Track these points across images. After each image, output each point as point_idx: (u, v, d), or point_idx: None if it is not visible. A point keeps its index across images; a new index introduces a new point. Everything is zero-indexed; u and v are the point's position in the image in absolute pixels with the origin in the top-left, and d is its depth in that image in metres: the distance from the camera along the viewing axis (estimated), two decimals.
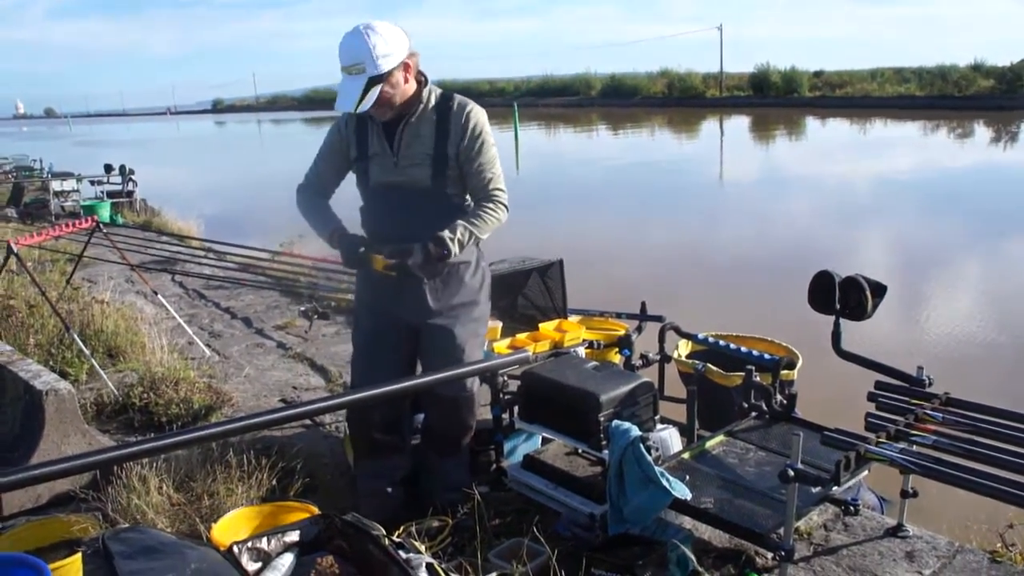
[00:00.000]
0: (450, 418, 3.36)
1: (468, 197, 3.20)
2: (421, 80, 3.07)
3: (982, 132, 29.19)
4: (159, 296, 6.19)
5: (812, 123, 36.65)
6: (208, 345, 6.15)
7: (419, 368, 3.38)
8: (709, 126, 37.95)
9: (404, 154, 3.07)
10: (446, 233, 3.00)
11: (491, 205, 3.11)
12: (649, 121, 40.33)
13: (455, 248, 3.01)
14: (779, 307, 6.65)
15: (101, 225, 6.09)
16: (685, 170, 21.84)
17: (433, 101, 3.08)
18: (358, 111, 2.90)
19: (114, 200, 14.87)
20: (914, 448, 2.61)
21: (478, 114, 3.10)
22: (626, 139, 33.43)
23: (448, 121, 3.06)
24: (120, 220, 13.17)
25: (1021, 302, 8.75)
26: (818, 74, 50.19)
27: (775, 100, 46.54)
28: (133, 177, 15.60)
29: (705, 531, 3.18)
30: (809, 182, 18.91)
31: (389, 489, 3.39)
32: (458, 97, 3.13)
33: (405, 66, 2.95)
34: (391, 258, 3.01)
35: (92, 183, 15.90)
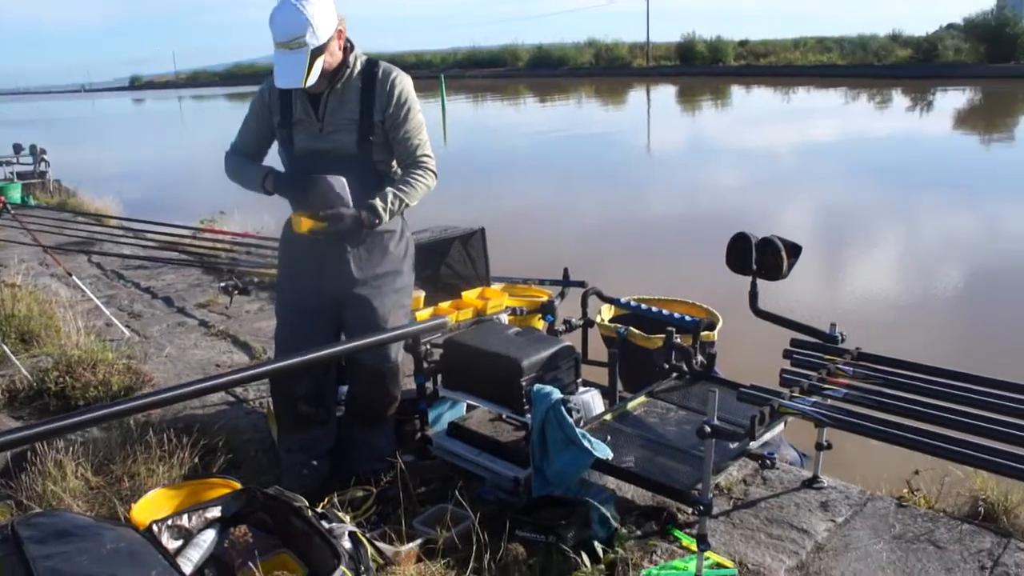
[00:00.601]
0: (375, 389, 3.33)
1: (394, 164, 3.18)
2: (346, 46, 3.04)
3: (900, 100, 29.91)
4: (74, 278, 6.01)
5: (737, 92, 37.14)
6: (127, 326, 5.98)
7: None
8: (636, 96, 38.17)
9: (329, 120, 3.04)
10: (377, 201, 2.99)
11: (419, 171, 3.11)
12: (576, 91, 40.41)
13: (386, 217, 3.01)
14: (702, 271, 6.75)
15: (9, 207, 5.87)
16: (612, 140, 21.96)
17: (359, 67, 3.06)
18: (307, 86, 2.86)
19: (25, 181, 14.31)
20: (827, 401, 2.67)
21: (404, 81, 3.08)
22: (553, 109, 33.45)
23: (373, 88, 3.04)
24: (32, 202, 12.71)
25: (930, 262, 9.04)
26: (743, 43, 50.83)
27: (701, 69, 47.02)
28: (45, 157, 15.02)
29: (628, 490, 3.23)
30: (734, 150, 19.17)
31: (314, 462, 3.36)
32: (383, 64, 3.11)
33: (338, 33, 2.93)
34: (323, 221, 2.95)
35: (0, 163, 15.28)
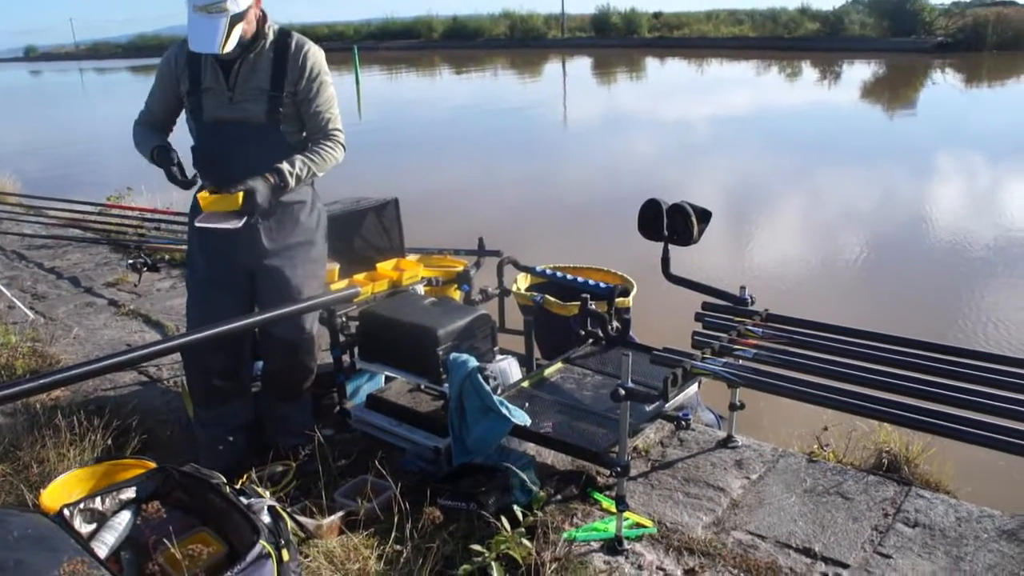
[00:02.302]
0: (290, 361, 3.29)
1: (304, 136, 3.14)
2: (261, 16, 3.00)
3: (809, 72, 30.61)
4: None
5: (652, 64, 37.46)
6: (31, 308, 5.77)
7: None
8: (552, 68, 38.17)
9: (240, 89, 2.99)
10: (284, 165, 2.96)
11: (329, 143, 3.09)
12: (492, 63, 40.20)
13: (292, 181, 2.97)
14: (617, 239, 6.82)
15: None
16: (528, 112, 21.95)
17: (271, 37, 3.03)
18: (224, 52, 2.81)
19: None
20: (738, 362, 2.73)
21: (316, 53, 3.07)
22: (469, 82, 33.24)
23: (286, 59, 3.01)
24: None
25: (833, 227, 9.33)
26: (657, 15, 51.19)
27: (616, 41, 47.25)
28: None
29: (548, 455, 3.27)
30: (649, 122, 19.39)
31: (231, 437, 3.31)
32: (296, 35, 3.07)
33: (256, 1, 2.92)
34: (242, 197, 2.86)
35: None
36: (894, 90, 24.31)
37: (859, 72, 29.31)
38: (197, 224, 2.95)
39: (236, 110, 3.01)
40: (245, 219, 2.90)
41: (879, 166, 12.59)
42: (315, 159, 3.04)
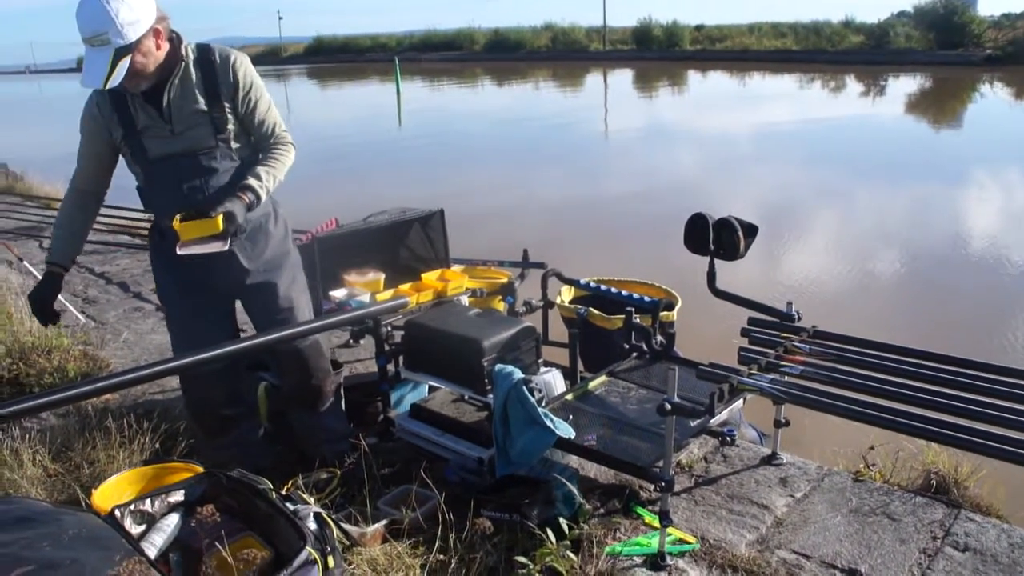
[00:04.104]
0: (305, 370, 3.28)
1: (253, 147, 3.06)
2: (174, 39, 2.83)
3: (853, 86, 30.30)
4: (25, 263, 5.89)
5: (693, 76, 37.34)
6: (82, 312, 5.89)
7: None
8: (593, 80, 38.22)
9: (177, 119, 2.85)
10: (252, 181, 2.88)
11: (282, 147, 3.02)
12: (533, 75, 40.34)
13: (263, 195, 2.90)
14: (662, 252, 6.81)
15: None
16: (570, 123, 21.98)
17: (192, 56, 2.88)
18: (107, 87, 2.63)
19: None
20: (784, 379, 2.71)
21: (243, 61, 2.94)
22: (511, 93, 33.41)
23: (215, 74, 2.88)
24: None
25: (880, 242, 9.22)
26: (699, 28, 51.07)
27: (657, 53, 47.20)
28: None
29: (591, 468, 3.26)
30: (691, 134, 19.33)
31: (253, 449, 3.34)
32: (218, 47, 2.93)
33: (156, 32, 2.71)
34: (211, 220, 2.77)
35: None
36: (940, 104, 23.98)
37: (904, 86, 28.96)
38: (179, 252, 2.80)
39: (182, 141, 2.88)
40: (230, 240, 2.82)
41: (925, 181, 12.43)
42: (275, 166, 2.96)
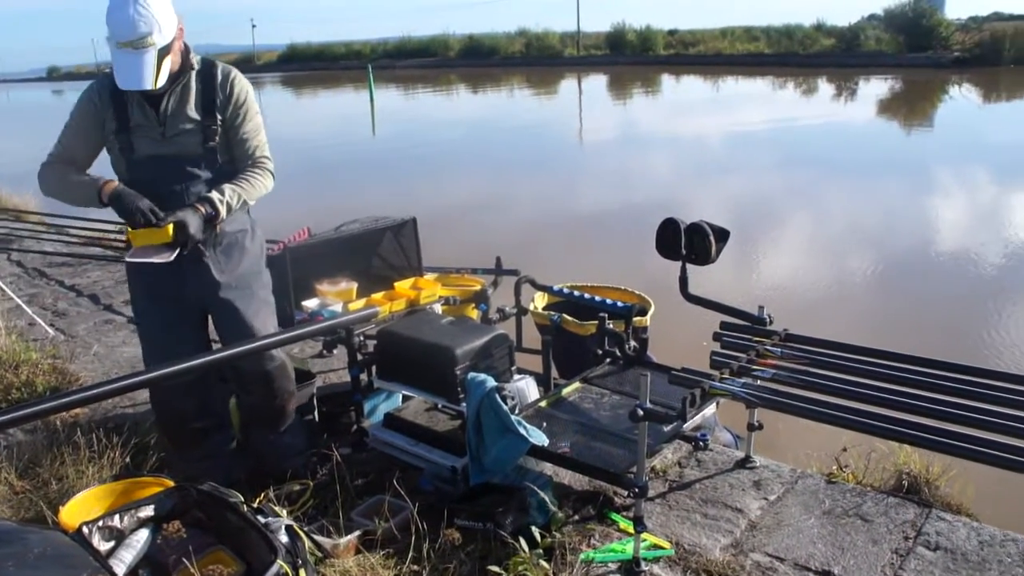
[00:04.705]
0: (269, 392, 3.26)
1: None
2: (184, 47, 2.94)
3: (825, 88, 30.52)
4: None
5: (667, 81, 37.52)
6: (52, 325, 5.82)
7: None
8: (568, 85, 38.29)
9: (171, 124, 2.92)
10: (214, 194, 2.89)
11: (258, 170, 3.04)
12: (508, 81, 40.38)
13: (223, 210, 2.90)
14: (635, 257, 6.82)
15: None
16: (544, 130, 22.01)
17: (197, 67, 2.97)
18: (158, 87, 2.75)
19: None
20: (756, 382, 2.71)
21: (242, 81, 3.04)
22: (485, 100, 33.41)
23: (214, 88, 2.96)
24: None
25: (851, 245, 9.29)
26: (672, 32, 51.31)
27: (631, 59, 47.35)
28: None
29: (565, 475, 3.26)
30: (665, 139, 19.39)
31: (225, 461, 3.33)
32: (221, 64, 3.04)
33: (180, 32, 2.83)
34: (174, 230, 2.78)
35: None
36: (911, 106, 24.24)
37: (875, 88, 29.24)
38: (127, 259, 2.85)
39: (171, 145, 2.93)
40: (178, 251, 2.81)
41: (896, 183, 12.54)
42: (244, 186, 2.97)
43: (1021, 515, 3.28)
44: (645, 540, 2.81)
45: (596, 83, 38.59)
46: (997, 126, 19.26)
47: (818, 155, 15.45)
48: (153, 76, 2.72)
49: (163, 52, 2.73)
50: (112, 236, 8.29)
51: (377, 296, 3.79)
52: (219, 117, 2.96)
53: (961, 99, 25.58)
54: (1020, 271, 7.99)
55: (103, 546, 2.41)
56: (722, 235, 3.24)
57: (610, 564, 2.74)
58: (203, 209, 2.85)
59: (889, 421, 2.35)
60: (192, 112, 2.93)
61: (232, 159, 3.05)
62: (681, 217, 3.28)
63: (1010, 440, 2.17)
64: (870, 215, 10.70)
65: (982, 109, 23.15)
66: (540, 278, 4.30)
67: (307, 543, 2.48)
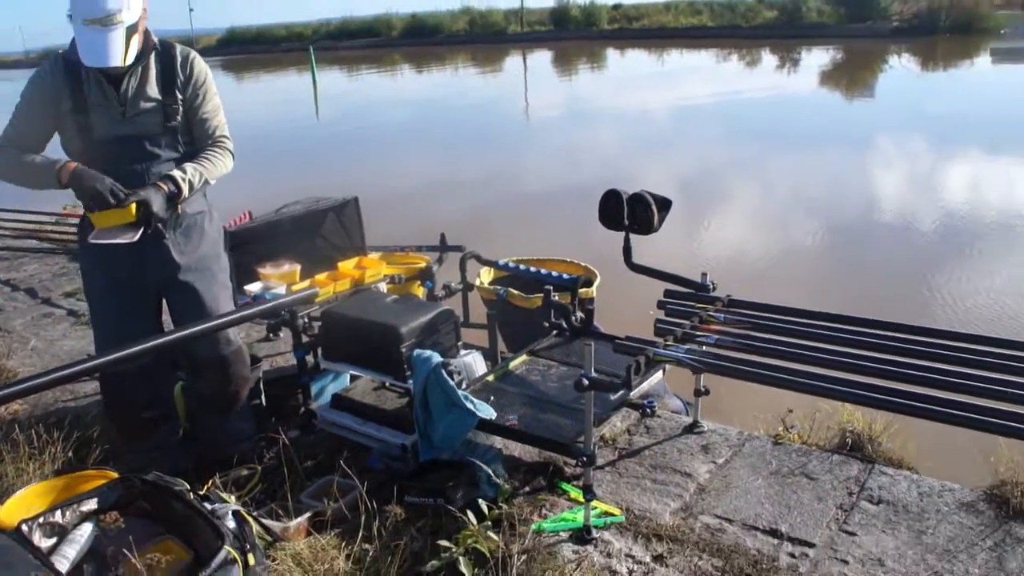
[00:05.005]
0: (225, 377, 3.22)
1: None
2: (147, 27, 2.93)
3: (768, 60, 30.83)
4: None
5: (612, 55, 37.58)
6: None
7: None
8: (512, 62, 38.16)
9: (131, 103, 2.89)
10: (176, 173, 2.88)
11: (218, 149, 3.03)
12: (452, 60, 40.10)
13: (185, 188, 2.88)
14: (580, 229, 6.83)
15: None
16: (488, 107, 21.95)
17: (157, 48, 2.96)
18: (127, 64, 2.76)
19: None
20: (701, 348, 2.74)
21: (201, 62, 3.05)
22: (430, 78, 33.17)
23: (174, 68, 2.96)
24: None
25: (792, 213, 9.44)
26: (616, 7, 51.29)
27: (575, 34, 47.31)
28: None
29: (515, 448, 3.27)
30: (609, 113, 19.44)
31: (173, 450, 3.28)
32: (179, 46, 3.04)
33: (144, 12, 2.82)
34: (137, 210, 2.73)
35: None
36: (852, 76, 24.58)
37: (817, 59, 29.57)
38: (91, 241, 2.79)
39: (131, 125, 2.90)
40: (142, 231, 2.76)
41: (838, 152, 12.72)
42: (206, 164, 2.96)
43: (959, 466, 3.36)
44: (595, 508, 2.84)
45: (541, 59, 38.50)
46: (934, 96, 19.59)
47: (762, 127, 15.60)
48: (123, 53, 2.71)
49: (131, 30, 2.72)
50: (48, 228, 8.10)
51: (321, 277, 3.75)
52: (179, 96, 2.96)
53: (900, 68, 26.00)
54: (953, 236, 8.17)
55: (44, 543, 2.35)
56: (664, 204, 3.26)
57: (561, 533, 2.76)
58: (165, 187, 2.83)
59: (830, 381, 2.39)
60: (153, 91, 2.92)
61: (192, 139, 3.03)
62: (624, 189, 3.29)
63: (945, 395, 2.22)
64: (813, 185, 10.86)
65: (920, 78, 23.58)
66: (486, 254, 4.29)
67: (256, 527, 2.46)
